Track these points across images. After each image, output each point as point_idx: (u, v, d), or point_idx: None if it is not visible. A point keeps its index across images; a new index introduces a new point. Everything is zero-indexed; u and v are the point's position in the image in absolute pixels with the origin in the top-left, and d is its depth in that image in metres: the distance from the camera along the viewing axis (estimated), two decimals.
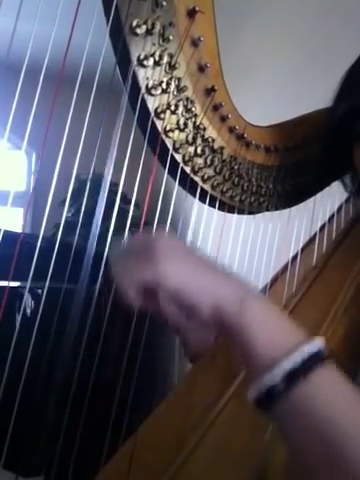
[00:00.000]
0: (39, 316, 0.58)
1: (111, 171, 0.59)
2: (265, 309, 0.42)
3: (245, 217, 0.74)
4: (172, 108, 0.62)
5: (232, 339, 0.42)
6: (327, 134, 0.72)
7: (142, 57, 0.59)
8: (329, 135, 0.71)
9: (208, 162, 0.67)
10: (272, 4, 2.22)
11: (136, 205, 0.66)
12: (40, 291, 1.21)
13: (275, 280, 0.80)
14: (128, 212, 0.65)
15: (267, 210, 0.76)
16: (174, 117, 0.63)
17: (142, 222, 0.61)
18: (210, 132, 0.66)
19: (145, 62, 0.59)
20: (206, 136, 0.66)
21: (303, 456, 0.40)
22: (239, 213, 0.73)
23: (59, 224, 0.65)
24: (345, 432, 0.38)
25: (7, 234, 0.54)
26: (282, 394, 0.39)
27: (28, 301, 1.23)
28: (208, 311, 0.41)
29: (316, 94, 1.01)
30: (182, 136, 0.64)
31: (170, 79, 0.61)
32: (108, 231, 0.59)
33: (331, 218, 0.85)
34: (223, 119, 0.67)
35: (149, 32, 0.58)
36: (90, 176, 0.60)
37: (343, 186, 0.78)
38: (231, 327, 0.41)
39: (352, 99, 0.66)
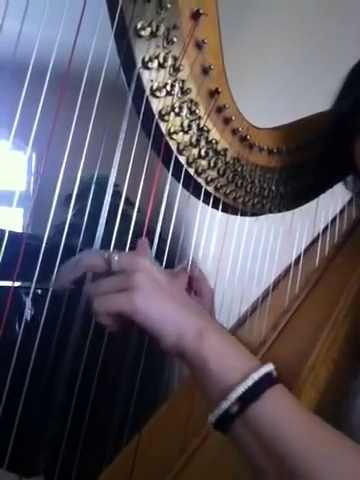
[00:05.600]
0: (38, 316, 0.58)
1: (115, 173, 0.59)
2: (222, 341, 0.47)
3: (248, 219, 0.74)
4: (176, 110, 0.62)
5: (191, 369, 0.47)
6: (331, 133, 0.72)
7: (146, 59, 0.58)
8: (332, 133, 0.72)
9: (212, 164, 0.67)
10: (271, 5, 2.22)
11: (138, 209, 0.66)
12: (39, 291, 1.21)
13: (277, 282, 0.80)
14: (130, 214, 0.65)
15: (270, 212, 0.76)
16: (178, 119, 0.63)
17: (145, 224, 0.61)
18: (214, 134, 0.66)
19: (149, 64, 0.59)
20: (210, 138, 0.66)
21: (260, 470, 0.44)
22: (242, 215, 0.73)
23: (59, 225, 0.65)
24: (292, 446, 0.42)
25: (6, 234, 0.54)
26: (237, 416, 0.43)
27: (27, 301, 1.23)
28: (171, 343, 0.46)
29: (315, 95, 1.02)
30: (186, 138, 0.64)
31: (174, 81, 0.61)
32: (110, 233, 0.59)
33: (333, 220, 0.85)
34: (227, 121, 0.67)
35: (153, 34, 0.58)
36: (94, 178, 0.60)
37: (345, 186, 0.78)
38: (191, 358, 0.46)
39: (357, 92, 0.67)
